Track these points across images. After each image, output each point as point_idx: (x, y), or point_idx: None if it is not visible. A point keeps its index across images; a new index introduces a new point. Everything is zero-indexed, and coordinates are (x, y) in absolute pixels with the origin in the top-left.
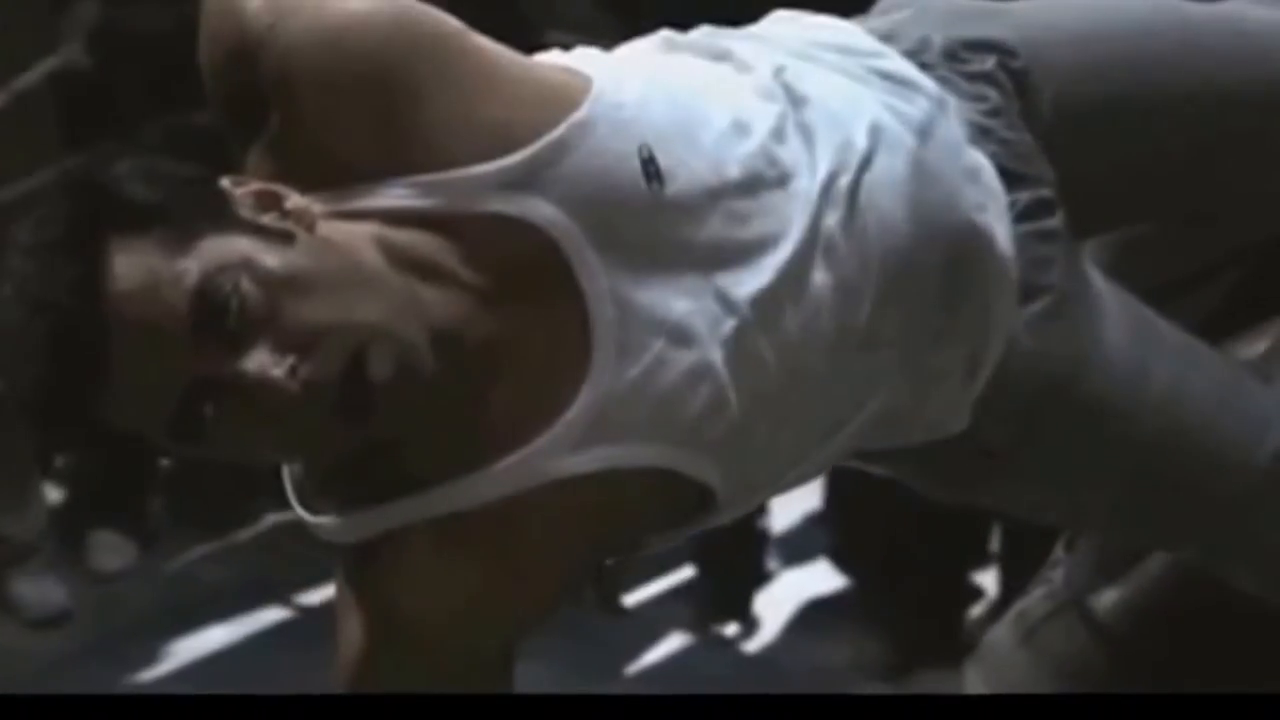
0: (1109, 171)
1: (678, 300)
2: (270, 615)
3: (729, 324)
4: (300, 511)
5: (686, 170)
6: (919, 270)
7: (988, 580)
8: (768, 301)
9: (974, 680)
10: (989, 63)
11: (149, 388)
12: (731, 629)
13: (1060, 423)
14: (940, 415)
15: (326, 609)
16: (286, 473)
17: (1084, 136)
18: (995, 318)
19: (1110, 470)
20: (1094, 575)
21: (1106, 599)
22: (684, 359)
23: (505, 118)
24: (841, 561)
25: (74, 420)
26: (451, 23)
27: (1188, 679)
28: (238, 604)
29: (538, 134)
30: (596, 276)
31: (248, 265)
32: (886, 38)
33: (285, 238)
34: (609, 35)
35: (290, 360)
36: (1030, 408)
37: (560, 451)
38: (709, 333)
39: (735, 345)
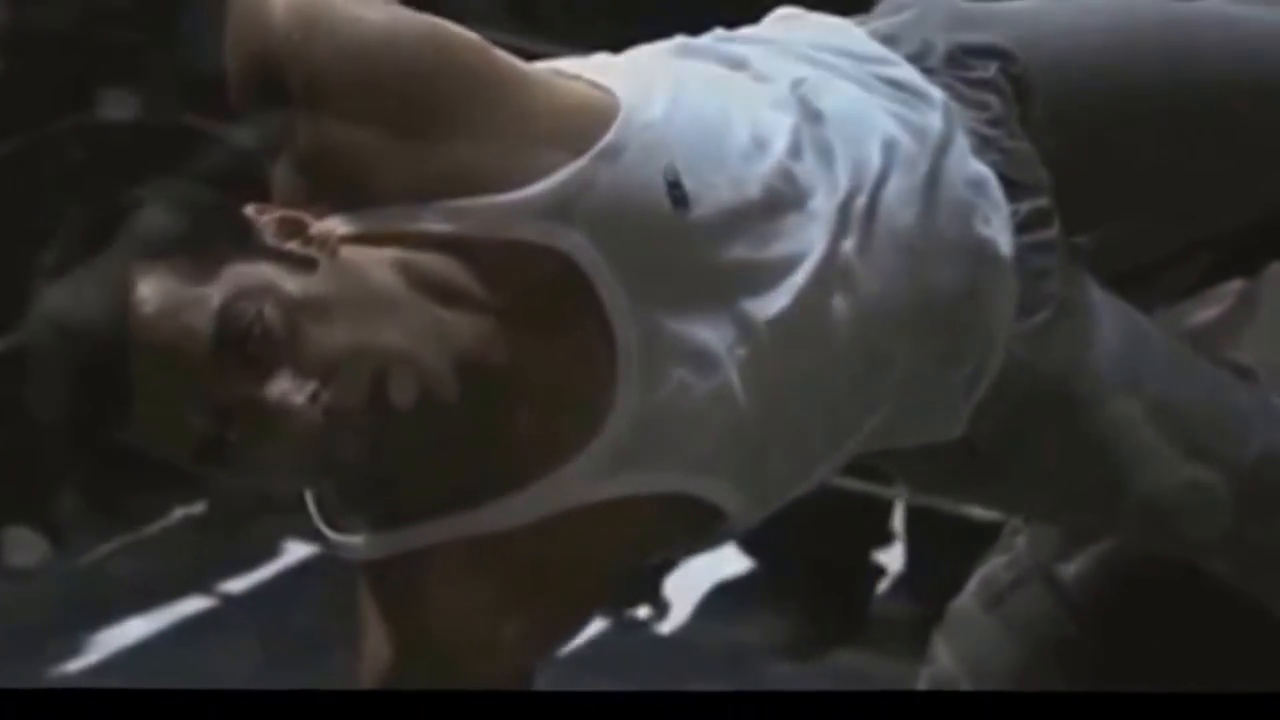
0: (1100, 170)
1: (699, 324)
2: (190, 605)
3: (747, 347)
4: (323, 529)
5: (711, 192)
6: (928, 285)
7: (891, 559)
8: (785, 324)
9: (943, 649)
10: (991, 69)
11: (171, 413)
12: (644, 611)
13: (1051, 426)
14: (938, 424)
15: (247, 599)
16: (308, 492)
17: (1077, 137)
18: (996, 331)
19: (1097, 472)
20: (1058, 543)
21: (1073, 566)
22: (705, 384)
23: (533, 141)
24: (747, 544)
25: (96, 443)
26: (476, 41)
27: (1155, 645)
28: (155, 596)
29: (566, 160)
30: (621, 302)
31: (270, 291)
32: (888, 40)
33: (308, 264)
34: (509, 29)
35: (312, 386)
36: (1023, 412)
37: (587, 477)
38: (728, 356)
39: (753, 369)
